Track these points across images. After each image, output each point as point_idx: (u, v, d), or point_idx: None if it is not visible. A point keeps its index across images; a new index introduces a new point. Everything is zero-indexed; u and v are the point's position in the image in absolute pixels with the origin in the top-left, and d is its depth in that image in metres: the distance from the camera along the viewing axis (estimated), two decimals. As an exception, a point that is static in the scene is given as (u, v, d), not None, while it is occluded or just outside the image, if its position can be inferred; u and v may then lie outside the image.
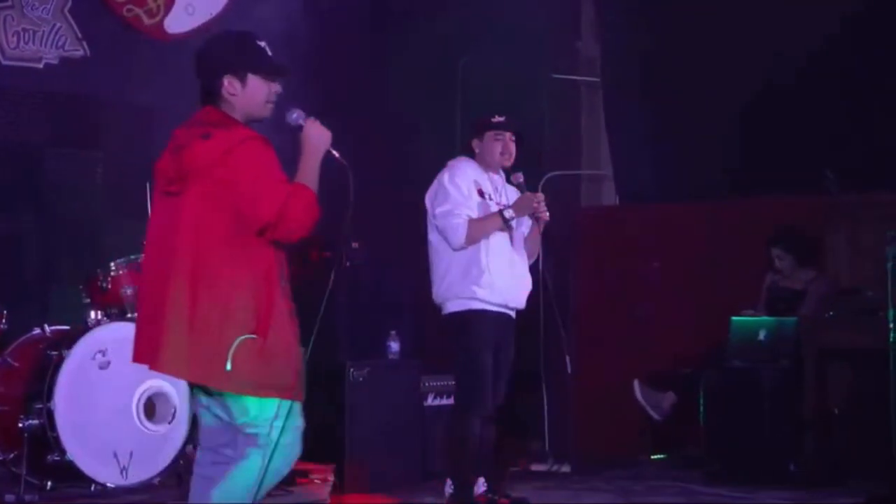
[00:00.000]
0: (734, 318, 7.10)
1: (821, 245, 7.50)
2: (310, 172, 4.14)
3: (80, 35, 7.75)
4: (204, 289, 3.94)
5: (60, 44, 7.69)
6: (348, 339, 7.16)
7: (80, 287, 6.62)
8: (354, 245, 7.30)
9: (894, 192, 7.32)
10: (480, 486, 6.00)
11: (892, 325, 6.40)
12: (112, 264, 6.55)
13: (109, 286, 6.51)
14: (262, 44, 4.16)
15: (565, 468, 7.54)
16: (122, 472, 6.19)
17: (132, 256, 6.59)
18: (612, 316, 8.08)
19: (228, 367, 3.91)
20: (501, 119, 5.98)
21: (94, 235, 7.71)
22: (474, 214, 5.83)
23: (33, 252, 7.57)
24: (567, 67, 8.77)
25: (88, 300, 6.57)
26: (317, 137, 4.20)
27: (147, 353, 4.00)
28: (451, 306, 5.89)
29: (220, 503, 3.97)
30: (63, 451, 6.02)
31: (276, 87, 4.19)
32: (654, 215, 8.23)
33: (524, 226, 6.02)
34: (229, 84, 4.08)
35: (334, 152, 4.27)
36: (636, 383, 7.45)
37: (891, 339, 6.40)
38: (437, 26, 8.22)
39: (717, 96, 7.97)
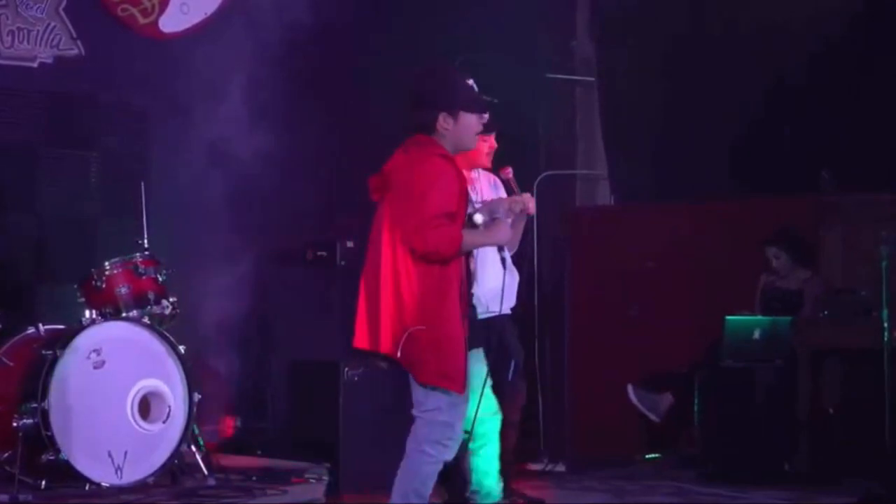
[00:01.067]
0: (729, 317, 7.11)
1: (816, 245, 7.51)
2: (478, 239, 4.64)
3: (74, 34, 7.74)
4: (397, 284, 4.43)
5: (55, 43, 7.69)
6: (343, 339, 7.13)
7: (75, 286, 6.61)
8: (349, 244, 7.30)
9: (889, 193, 7.33)
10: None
11: (886, 325, 6.42)
12: (107, 263, 6.53)
13: (104, 285, 6.49)
14: (470, 81, 4.65)
15: (560, 468, 7.54)
16: (116, 472, 6.17)
17: (127, 256, 6.59)
18: (607, 315, 8.07)
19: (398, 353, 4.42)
20: (486, 118, 5.91)
21: (89, 234, 7.70)
22: None
23: (28, 251, 7.56)
24: (562, 67, 8.77)
25: (83, 299, 6.56)
26: (503, 233, 4.75)
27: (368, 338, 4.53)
28: None
29: None
30: (57, 451, 6.01)
31: (485, 119, 4.65)
32: (650, 215, 8.23)
33: (506, 218, 5.88)
34: (444, 120, 4.53)
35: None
36: (630, 387, 7.44)
37: (885, 339, 6.42)
38: (431, 26, 8.22)
39: (713, 96, 7.98)
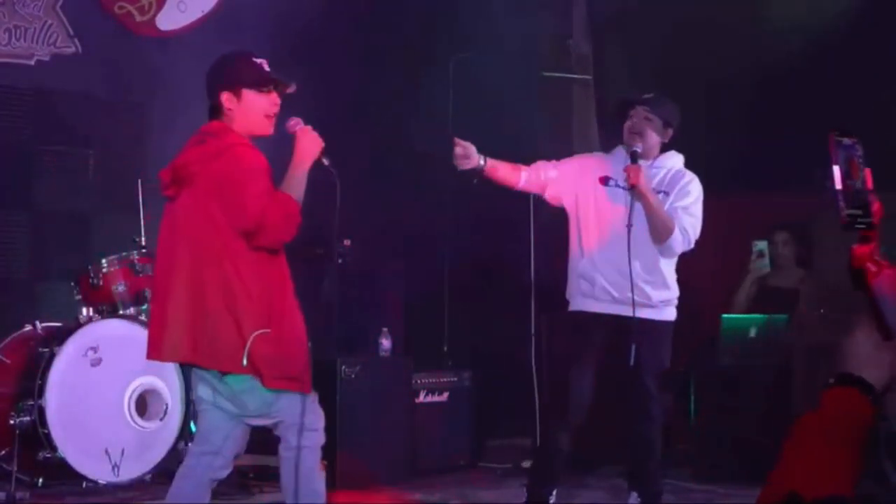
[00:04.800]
0: (725, 315, 7.12)
1: (812, 244, 7.52)
2: (294, 181, 4.27)
3: (71, 32, 7.74)
4: (202, 287, 4.10)
5: (52, 41, 7.69)
6: (340, 337, 7.16)
7: (72, 284, 6.62)
8: (346, 242, 7.30)
9: (884, 191, 7.33)
10: (633, 499, 5.61)
11: (882, 324, 6.43)
12: (104, 261, 6.55)
13: (101, 283, 6.50)
14: (259, 60, 4.35)
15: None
16: (113, 469, 6.19)
17: (124, 253, 6.59)
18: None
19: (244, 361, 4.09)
20: (644, 96, 5.61)
21: (86, 232, 7.71)
22: (582, 200, 5.52)
23: (25, 249, 7.57)
24: (559, 65, 8.78)
25: (80, 297, 6.57)
26: (306, 147, 4.36)
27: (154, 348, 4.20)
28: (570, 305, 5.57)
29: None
30: (54, 448, 6.02)
31: (275, 100, 4.34)
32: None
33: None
34: (228, 100, 4.28)
35: (325, 160, 4.41)
36: None
37: (880, 338, 6.43)
38: (428, 24, 8.22)
39: (709, 94, 7.98)
